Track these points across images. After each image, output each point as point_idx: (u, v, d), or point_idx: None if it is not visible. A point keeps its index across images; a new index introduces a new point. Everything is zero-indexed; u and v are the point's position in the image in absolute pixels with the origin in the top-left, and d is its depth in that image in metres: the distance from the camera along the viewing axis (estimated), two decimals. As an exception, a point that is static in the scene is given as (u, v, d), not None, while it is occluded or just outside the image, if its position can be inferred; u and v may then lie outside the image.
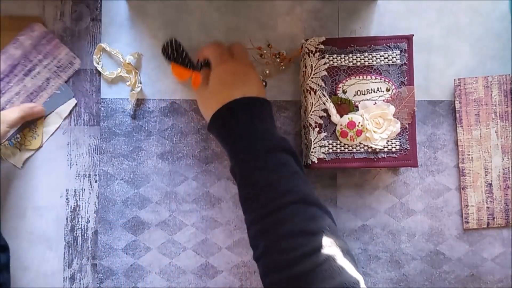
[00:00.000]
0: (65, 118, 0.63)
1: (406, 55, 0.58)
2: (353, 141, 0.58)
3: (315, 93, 0.58)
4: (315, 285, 0.43)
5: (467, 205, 0.64)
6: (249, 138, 0.51)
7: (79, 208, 0.63)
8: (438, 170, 0.64)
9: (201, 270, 0.63)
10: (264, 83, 0.63)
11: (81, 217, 0.63)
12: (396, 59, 0.58)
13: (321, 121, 0.58)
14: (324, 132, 0.58)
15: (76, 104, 0.63)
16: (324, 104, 0.58)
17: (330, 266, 0.44)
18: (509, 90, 0.63)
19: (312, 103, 0.58)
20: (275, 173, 0.49)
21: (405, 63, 0.59)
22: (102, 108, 0.63)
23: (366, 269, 0.64)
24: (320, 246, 0.45)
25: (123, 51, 0.63)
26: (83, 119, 0.63)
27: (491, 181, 0.63)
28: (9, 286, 0.58)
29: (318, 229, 0.46)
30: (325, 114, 0.58)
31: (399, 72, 0.59)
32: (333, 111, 0.58)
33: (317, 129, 0.58)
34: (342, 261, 0.45)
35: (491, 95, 0.63)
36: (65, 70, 0.62)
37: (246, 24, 0.64)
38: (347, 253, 0.46)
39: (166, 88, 0.63)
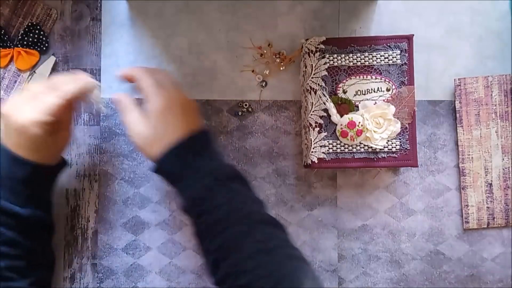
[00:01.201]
0: (49, 77, 0.62)
1: (407, 55, 0.59)
2: (353, 141, 0.58)
3: (315, 93, 0.58)
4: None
5: (467, 205, 0.64)
6: (196, 176, 0.50)
7: (79, 207, 0.63)
8: (438, 170, 0.64)
9: (201, 270, 0.63)
10: (264, 83, 0.63)
11: (81, 216, 0.63)
12: (397, 59, 0.58)
13: (321, 121, 0.58)
14: (324, 132, 0.58)
15: (56, 61, 0.63)
16: (324, 104, 0.58)
17: None
18: (509, 90, 0.63)
19: (312, 103, 0.58)
20: (232, 201, 0.49)
21: (405, 63, 0.59)
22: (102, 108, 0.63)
23: (366, 269, 0.64)
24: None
25: (123, 50, 0.63)
26: (83, 119, 0.63)
27: (491, 181, 0.63)
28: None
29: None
30: (325, 114, 0.58)
31: (400, 72, 0.59)
32: (333, 111, 0.58)
33: (317, 129, 0.58)
34: None
35: (491, 95, 0.63)
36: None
37: (246, 24, 0.64)
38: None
39: (166, 88, 0.63)
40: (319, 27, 0.64)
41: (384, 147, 0.58)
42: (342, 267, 0.63)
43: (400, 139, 0.59)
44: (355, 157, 0.59)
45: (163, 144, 0.51)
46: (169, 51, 0.63)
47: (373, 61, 0.58)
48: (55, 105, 0.50)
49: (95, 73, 0.63)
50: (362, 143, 0.58)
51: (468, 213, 0.64)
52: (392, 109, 0.58)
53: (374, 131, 0.58)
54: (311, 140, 0.58)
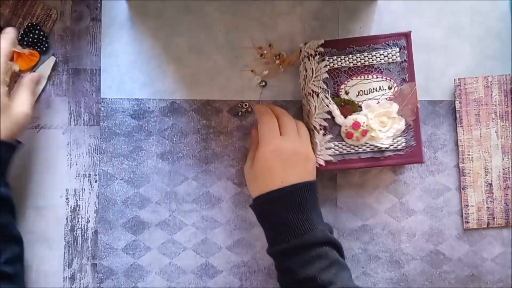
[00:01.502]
0: (49, 78, 0.63)
1: (406, 52, 0.58)
2: (359, 141, 0.58)
3: (317, 96, 0.58)
4: None
5: (467, 205, 0.64)
6: (285, 231, 0.53)
7: (79, 208, 0.63)
8: (438, 170, 0.64)
9: (201, 270, 0.63)
10: (263, 83, 0.63)
11: (81, 217, 0.63)
12: (396, 57, 0.58)
13: (325, 124, 0.58)
14: (330, 134, 0.58)
15: (55, 62, 0.63)
16: (328, 106, 0.58)
17: None
18: (509, 90, 0.63)
19: (316, 106, 0.58)
20: (314, 266, 0.51)
21: (405, 60, 0.58)
22: (102, 108, 0.63)
23: (366, 269, 0.64)
24: None
25: (123, 50, 0.63)
26: (83, 119, 0.63)
27: (491, 181, 0.63)
28: (23, 278, 0.58)
29: None
30: (329, 116, 0.58)
31: (400, 69, 0.58)
32: (337, 112, 0.58)
33: (322, 132, 0.58)
34: None
35: (491, 95, 0.63)
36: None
37: (246, 24, 0.64)
38: None
39: (166, 88, 0.63)
40: (319, 27, 0.64)
41: (390, 145, 0.58)
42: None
43: (405, 136, 0.59)
44: (361, 157, 0.58)
45: (259, 189, 0.55)
46: (169, 51, 0.64)
47: (373, 60, 0.58)
48: (2, 64, 0.55)
49: (95, 73, 0.63)
50: (367, 143, 0.58)
51: (468, 213, 0.64)
52: (395, 107, 0.58)
53: (379, 130, 0.58)
54: (316, 143, 0.58)
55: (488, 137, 0.63)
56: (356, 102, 0.58)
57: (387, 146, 0.58)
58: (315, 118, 0.59)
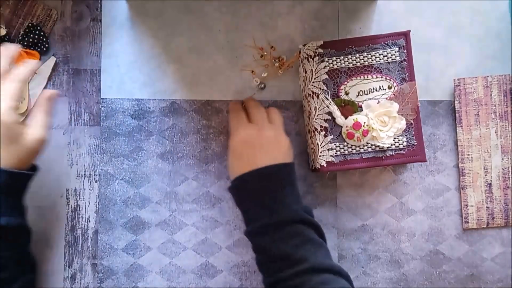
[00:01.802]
0: (49, 78, 0.63)
1: (405, 51, 0.58)
2: (360, 141, 0.58)
3: (317, 97, 0.58)
4: None
5: (466, 205, 0.64)
6: (262, 210, 0.53)
7: (79, 208, 0.63)
8: (437, 170, 0.64)
9: (201, 270, 0.63)
10: (262, 85, 0.63)
11: (82, 217, 0.63)
12: (396, 56, 0.58)
13: (326, 125, 0.58)
14: (331, 135, 0.58)
15: (56, 62, 0.63)
16: (328, 107, 0.58)
17: None
18: (509, 90, 0.63)
19: (316, 107, 0.58)
20: (287, 244, 0.51)
21: (404, 59, 0.58)
22: (103, 108, 0.63)
23: (366, 268, 0.64)
24: None
25: (123, 51, 0.63)
26: (83, 119, 0.63)
27: (491, 181, 0.63)
28: None
29: None
30: (329, 117, 0.58)
31: (400, 68, 0.58)
32: (337, 113, 0.58)
33: (323, 133, 0.58)
34: None
35: (491, 95, 0.63)
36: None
37: (246, 24, 0.64)
38: None
39: (166, 88, 0.63)
40: (319, 27, 0.64)
41: (391, 145, 0.58)
42: (342, 267, 0.63)
43: (406, 135, 0.59)
44: (363, 157, 0.58)
45: (239, 168, 0.55)
46: (169, 51, 0.64)
47: (372, 60, 0.58)
48: (16, 89, 0.52)
49: (96, 73, 0.63)
50: (369, 143, 0.58)
51: (467, 213, 0.64)
52: (395, 106, 0.58)
53: (380, 130, 0.58)
54: (318, 145, 0.58)
55: (487, 137, 0.63)
56: (356, 102, 0.58)
57: (389, 145, 0.58)
58: (316, 119, 0.59)
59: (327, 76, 0.59)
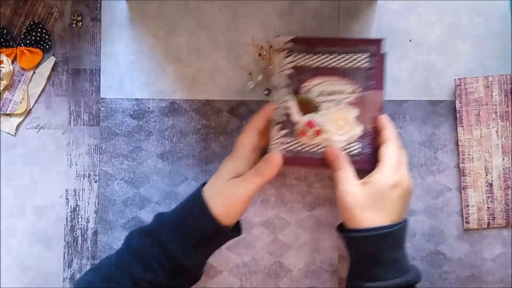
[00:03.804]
0: (48, 78, 0.63)
1: (375, 58, 0.57)
2: (311, 140, 0.57)
3: (279, 90, 0.58)
4: None
5: (467, 205, 0.64)
6: (388, 269, 0.50)
7: (79, 208, 0.63)
8: (438, 170, 0.64)
9: (201, 270, 0.63)
10: (267, 91, 0.63)
11: (81, 217, 0.63)
12: (364, 62, 0.57)
13: (283, 118, 0.57)
14: (285, 130, 0.57)
15: (55, 62, 0.63)
16: (287, 102, 0.57)
17: None
18: (510, 90, 0.63)
19: (276, 100, 0.58)
20: None
21: (373, 67, 0.57)
22: (102, 108, 0.63)
23: (366, 269, 0.64)
24: None
25: (123, 50, 0.63)
26: (83, 119, 0.63)
27: (492, 181, 0.63)
28: None
29: None
30: (287, 112, 0.57)
31: (366, 75, 0.57)
32: (294, 109, 0.57)
33: (279, 126, 0.57)
34: None
35: (492, 95, 0.63)
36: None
37: (246, 24, 0.64)
38: None
39: (166, 88, 0.63)
40: (318, 27, 0.64)
41: (344, 149, 0.57)
42: (343, 268, 0.63)
43: (362, 142, 0.57)
44: (314, 157, 0.57)
45: (373, 219, 0.50)
46: (169, 51, 0.64)
47: (340, 62, 0.57)
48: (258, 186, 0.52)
49: (95, 73, 0.63)
50: (321, 144, 0.57)
51: (468, 213, 0.64)
52: (354, 112, 0.57)
53: (334, 133, 0.57)
54: (272, 137, 0.57)
55: (488, 137, 0.63)
56: (315, 101, 0.57)
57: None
58: (275, 112, 0.58)
59: (291, 71, 0.58)
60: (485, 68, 0.64)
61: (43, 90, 0.63)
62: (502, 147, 0.63)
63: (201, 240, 0.51)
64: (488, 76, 0.63)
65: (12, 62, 0.62)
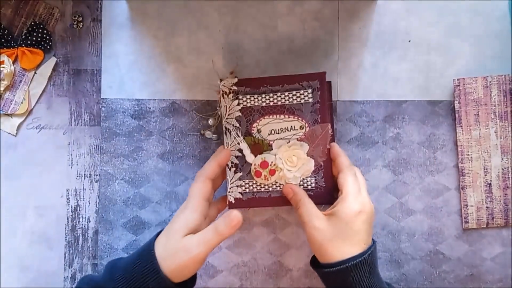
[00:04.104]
0: (49, 78, 0.63)
1: (319, 93, 0.57)
2: (268, 180, 0.57)
3: (230, 133, 0.58)
4: None
5: (466, 205, 0.64)
6: None
7: (79, 208, 0.63)
8: (437, 170, 0.64)
9: (201, 270, 0.63)
10: (215, 136, 0.63)
11: (82, 217, 0.63)
12: (309, 98, 0.57)
13: (237, 161, 0.58)
14: (240, 172, 0.58)
15: (56, 62, 0.63)
16: (239, 144, 0.57)
17: None
18: (509, 90, 0.63)
19: (228, 143, 0.58)
20: None
21: (317, 101, 0.57)
22: (103, 108, 0.63)
23: (366, 268, 0.64)
24: None
25: (123, 51, 0.63)
26: (84, 119, 0.63)
27: (491, 181, 0.63)
28: None
29: None
30: (240, 154, 0.58)
31: (312, 110, 0.57)
32: (247, 151, 0.57)
33: (233, 169, 0.58)
34: None
35: (491, 95, 0.63)
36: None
37: (246, 24, 0.64)
38: None
39: (167, 88, 0.64)
40: (319, 27, 0.64)
41: (300, 185, 0.57)
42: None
43: (315, 176, 0.57)
44: (272, 196, 0.58)
45: (344, 251, 0.50)
46: (169, 51, 0.64)
47: (285, 100, 0.57)
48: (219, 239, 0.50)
49: (96, 73, 0.63)
50: (277, 182, 0.58)
51: (467, 213, 0.64)
52: (305, 147, 0.57)
53: (288, 170, 0.57)
54: (228, 181, 0.58)
55: (487, 137, 0.63)
56: (267, 141, 0.58)
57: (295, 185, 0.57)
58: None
59: (240, 114, 0.58)
60: (485, 68, 0.65)
61: (44, 91, 0.63)
62: (501, 147, 0.63)
63: None
64: (487, 76, 0.63)
65: (13, 63, 0.62)
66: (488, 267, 0.64)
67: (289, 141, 0.57)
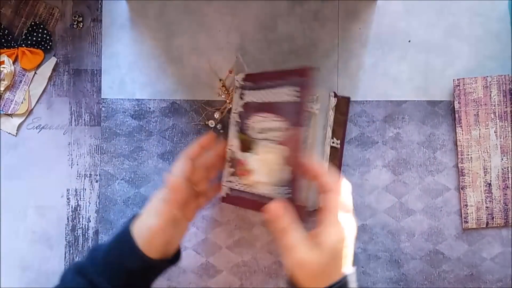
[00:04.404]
0: (50, 78, 0.63)
1: (303, 91, 0.49)
2: (244, 180, 0.53)
3: (231, 128, 0.57)
4: None
5: (466, 205, 0.64)
6: None
7: (80, 207, 0.63)
8: (437, 170, 0.64)
9: (202, 270, 0.63)
10: (221, 129, 0.62)
11: (82, 216, 0.63)
12: (294, 96, 0.49)
13: (231, 157, 0.56)
14: (232, 168, 0.56)
15: (56, 62, 0.63)
16: (233, 140, 0.56)
17: None
18: (508, 90, 0.63)
19: (229, 138, 0.57)
20: None
21: (299, 101, 0.49)
22: (103, 108, 0.63)
23: (366, 268, 0.64)
24: None
25: (123, 51, 0.63)
26: (84, 119, 0.63)
27: (490, 181, 0.64)
28: None
29: None
30: (234, 151, 0.56)
31: (296, 110, 0.49)
32: (236, 148, 0.55)
33: (229, 164, 0.56)
34: None
35: (490, 95, 0.63)
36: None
37: (246, 25, 0.64)
38: None
39: (167, 89, 0.64)
40: (319, 27, 0.64)
41: (276, 192, 0.50)
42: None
43: (291, 187, 0.49)
44: (251, 198, 0.53)
45: (330, 277, 0.46)
46: (169, 51, 0.64)
47: (276, 98, 0.51)
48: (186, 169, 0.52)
49: (96, 73, 0.63)
50: (251, 185, 0.53)
51: (467, 213, 0.64)
52: (284, 152, 0.49)
53: (259, 174, 0.52)
54: (224, 175, 0.57)
55: (487, 137, 0.64)
56: (253, 140, 0.53)
57: (266, 192, 0.51)
58: (228, 149, 0.57)
59: (242, 109, 0.55)
60: (484, 68, 0.65)
61: (44, 91, 0.63)
62: (500, 147, 0.63)
63: (131, 277, 0.50)
64: (487, 76, 0.63)
65: (14, 63, 0.63)
66: (487, 267, 0.64)
67: (273, 143, 0.51)
